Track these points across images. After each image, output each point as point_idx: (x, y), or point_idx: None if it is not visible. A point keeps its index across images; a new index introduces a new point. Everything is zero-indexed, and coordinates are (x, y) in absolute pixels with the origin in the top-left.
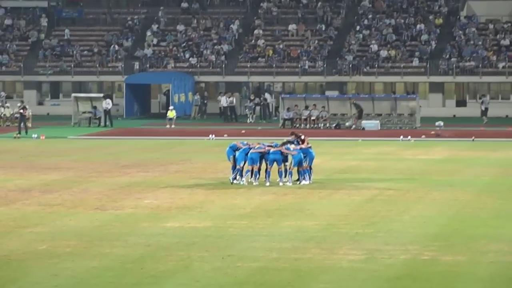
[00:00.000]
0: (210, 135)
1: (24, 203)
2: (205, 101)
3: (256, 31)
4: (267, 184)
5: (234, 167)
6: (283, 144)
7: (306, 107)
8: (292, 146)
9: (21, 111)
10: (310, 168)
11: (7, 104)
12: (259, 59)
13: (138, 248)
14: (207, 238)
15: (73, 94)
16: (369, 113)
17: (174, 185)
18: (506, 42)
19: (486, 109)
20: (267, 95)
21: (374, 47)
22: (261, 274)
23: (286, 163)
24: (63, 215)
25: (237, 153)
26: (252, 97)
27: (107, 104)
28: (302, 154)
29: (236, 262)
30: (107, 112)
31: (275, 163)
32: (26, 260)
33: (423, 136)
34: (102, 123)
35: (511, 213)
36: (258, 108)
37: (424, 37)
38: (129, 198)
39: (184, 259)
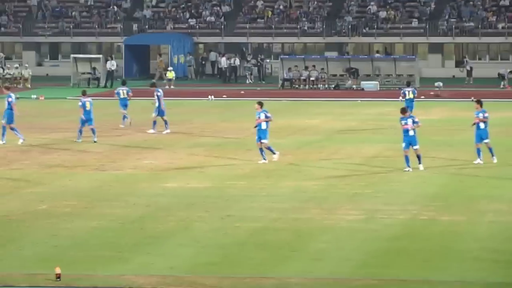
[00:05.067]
0: (209, 96)
1: (24, 163)
2: (203, 62)
3: None
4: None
5: None
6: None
7: (306, 68)
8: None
9: None
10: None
11: (8, 65)
12: (258, 20)
13: (138, 208)
14: (206, 198)
15: (72, 55)
16: (368, 74)
17: (173, 146)
18: (506, 2)
19: (470, 69)
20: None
21: (373, 8)
22: (260, 234)
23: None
24: (63, 176)
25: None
26: (249, 58)
27: (112, 65)
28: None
29: (236, 222)
30: (110, 72)
31: None
32: (26, 220)
33: (422, 97)
34: (102, 84)
35: (509, 175)
36: (255, 69)
37: None
38: (128, 158)
39: (184, 219)
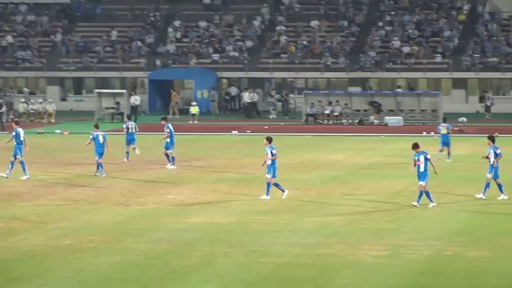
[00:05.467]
0: (233, 131)
1: (48, 198)
2: (227, 97)
3: (278, 27)
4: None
5: None
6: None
7: (329, 103)
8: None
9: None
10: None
11: (32, 101)
12: (282, 55)
13: (162, 243)
14: (230, 233)
15: (96, 90)
16: (392, 109)
17: (197, 181)
18: None
19: (490, 105)
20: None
21: (397, 43)
22: (284, 269)
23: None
24: (87, 211)
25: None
26: (273, 93)
27: (136, 100)
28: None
29: (260, 257)
30: (134, 107)
31: None
32: (51, 255)
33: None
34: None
35: None
36: (279, 104)
37: (447, 33)
38: (152, 193)
39: (208, 255)
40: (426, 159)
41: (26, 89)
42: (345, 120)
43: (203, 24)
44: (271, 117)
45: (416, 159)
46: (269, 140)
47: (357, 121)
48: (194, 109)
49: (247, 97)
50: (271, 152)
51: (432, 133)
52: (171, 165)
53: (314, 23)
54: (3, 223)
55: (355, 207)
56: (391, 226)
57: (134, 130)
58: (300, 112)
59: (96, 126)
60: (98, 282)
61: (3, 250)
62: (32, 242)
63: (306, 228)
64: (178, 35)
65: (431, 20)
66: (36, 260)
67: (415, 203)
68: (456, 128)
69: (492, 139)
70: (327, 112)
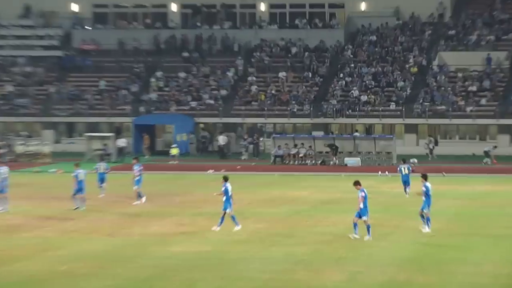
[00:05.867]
0: (209, 170)
1: (45, 229)
2: (203, 140)
3: (249, 78)
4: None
5: None
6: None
7: (295, 145)
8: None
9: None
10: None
11: (29, 143)
12: (253, 102)
13: (147, 269)
14: (208, 261)
15: (86, 134)
16: (351, 151)
17: (178, 214)
18: (474, 88)
19: (432, 148)
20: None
21: (356, 92)
22: None
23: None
24: (80, 240)
25: None
26: (245, 137)
27: (123, 142)
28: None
29: (235, 282)
30: (121, 149)
31: None
32: (49, 279)
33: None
34: (114, 159)
35: (476, 240)
36: (251, 146)
37: (400, 83)
38: (137, 225)
39: (189, 279)
40: (365, 195)
41: (24, 133)
42: (309, 161)
43: (182, 75)
44: (243, 158)
45: (359, 195)
46: (225, 179)
47: (319, 161)
48: (174, 150)
49: (221, 140)
50: (226, 189)
51: (386, 172)
52: (137, 201)
53: (282, 74)
54: (7, 251)
55: (317, 237)
56: (350, 254)
57: (103, 170)
58: (269, 154)
59: (77, 165)
60: None
61: (7, 275)
62: (32, 268)
63: (274, 256)
64: (160, 85)
65: (386, 72)
66: (36, 284)
67: (355, 235)
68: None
69: (424, 177)
70: (293, 153)
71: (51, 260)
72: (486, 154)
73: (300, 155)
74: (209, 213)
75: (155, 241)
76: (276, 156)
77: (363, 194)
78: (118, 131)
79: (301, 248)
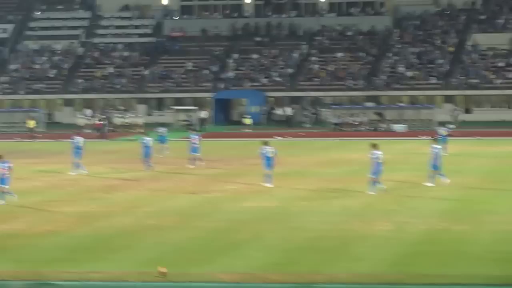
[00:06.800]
0: (276, 137)
1: (137, 189)
2: (271, 111)
3: (312, 58)
4: None
5: None
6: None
7: (351, 115)
8: None
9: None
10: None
11: (125, 116)
12: (314, 79)
13: (222, 222)
14: (275, 215)
15: (173, 107)
16: (398, 119)
17: (249, 175)
18: (502, 64)
19: (457, 115)
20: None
21: (402, 69)
22: (316, 241)
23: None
24: (166, 198)
25: None
26: (308, 108)
27: (205, 114)
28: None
29: (298, 232)
30: (203, 120)
31: None
32: (139, 231)
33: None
34: (197, 129)
35: (505, 194)
36: (313, 116)
37: (440, 61)
38: (216, 185)
39: (258, 231)
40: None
41: (121, 107)
42: (363, 128)
43: (255, 56)
44: (306, 126)
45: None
46: (265, 143)
47: (372, 128)
48: (248, 121)
49: (288, 111)
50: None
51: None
52: (192, 165)
53: (339, 54)
54: (105, 208)
55: (370, 194)
56: (397, 207)
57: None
58: (328, 122)
59: (145, 134)
60: (175, 251)
61: (106, 228)
62: (124, 222)
63: (332, 210)
64: (236, 65)
65: (427, 52)
66: (128, 235)
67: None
68: (446, 133)
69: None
70: (349, 122)
71: (141, 216)
72: None
73: (356, 123)
74: (277, 173)
75: (229, 198)
76: (334, 124)
77: (373, 156)
78: (201, 105)
79: (356, 202)
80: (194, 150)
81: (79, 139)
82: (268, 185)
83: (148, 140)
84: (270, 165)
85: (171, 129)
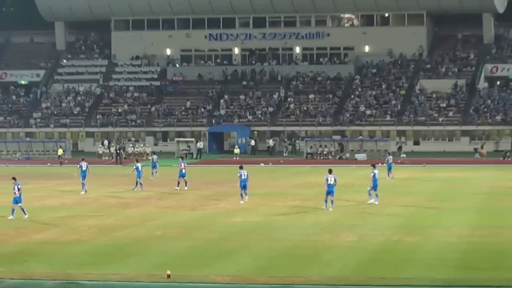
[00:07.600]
0: (261, 163)
1: (147, 206)
2: (255, 144)
3: (289, 99)
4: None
5: None
6: None
7: (320, 146)
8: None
9: (118, 151)
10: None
11: (136, 146)
12: (291, 116)
13: (216, 234)
14: (260, 228)
15: (176, 139)
16: (359, 149)
17: (238, 195)
18: (444, 104)
19: (401, 147)
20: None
21: (362, 108)
22: (294, 249)
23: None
24: (171, 213)
25: None
26: (286, 140)
27: (200, 145)
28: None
29: (278, 242)
30: (199, 149)
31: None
32: (149, 241)
33: (393, 164)
34: (195, 156)
35: (447, 212)
36: (290, 147)
37: (393, 102)
38: (211, 203)
39: (245, 240)
40: (334, 180)
41: (132, 139)
42: (331, 156)
43: (242, 97)
44: (284, 155)
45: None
46: (241, 167)
47: (337, 157)
48: (236, 150)
49: (271, 142)
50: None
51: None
52: (177, 187)
53: (311, 96)
54: (121, 221)
55: (337, 210)
56: (360, 222)
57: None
58: (302, 152)
59: (136, 161)
60: (178, 257)
61: (120, 238)
62: (136, 233)
63: (306, 224)
64: (227, 104)
65: (383, 94)
66: (139, 244)
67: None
68: (399, 161)
69: (373, 165)
70: (319, 152)
71: (150, 228)
72: (475, 150)
73: (324, 152)
74: (260, 194)
75: (222, 214)
76: (307, 154)
77: (332, 179)
78: (198, 137)
79: (325, 218)
80: (181, 174)
81: (83, 164)
82: (241, 202)
83: (138, 165)
84: (245, 186)
85: (173, 157)
